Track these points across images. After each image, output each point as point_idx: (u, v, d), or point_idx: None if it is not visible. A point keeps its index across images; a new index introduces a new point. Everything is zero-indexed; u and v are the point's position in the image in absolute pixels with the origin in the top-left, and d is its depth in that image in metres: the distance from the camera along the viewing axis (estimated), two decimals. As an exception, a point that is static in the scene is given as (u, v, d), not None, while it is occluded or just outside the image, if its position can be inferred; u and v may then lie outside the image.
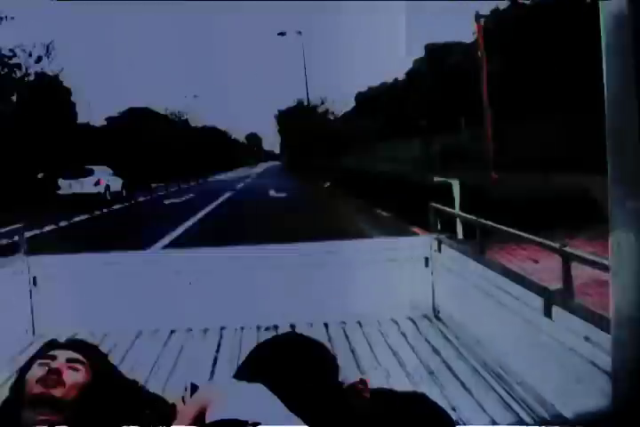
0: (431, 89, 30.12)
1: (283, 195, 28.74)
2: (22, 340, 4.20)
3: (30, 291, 4.48)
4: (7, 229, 4.53)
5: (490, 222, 3.62)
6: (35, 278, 4.50)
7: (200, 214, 20.81)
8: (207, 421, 1.88)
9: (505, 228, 3.38)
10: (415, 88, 33.51)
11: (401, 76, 41.48)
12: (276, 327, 4.30)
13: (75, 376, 2.42)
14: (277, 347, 2.33)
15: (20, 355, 3.08)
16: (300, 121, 79.25)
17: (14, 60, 39.46)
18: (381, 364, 3.53)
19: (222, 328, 4.36)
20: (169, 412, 2.52)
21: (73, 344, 2.63)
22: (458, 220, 8.81)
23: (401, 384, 2.86)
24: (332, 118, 75.11)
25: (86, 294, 4.46)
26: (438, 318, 4.33)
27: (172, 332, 4.35)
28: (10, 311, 4.24)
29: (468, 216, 4.16)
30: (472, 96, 22.24)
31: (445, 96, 27.52)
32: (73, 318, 4.34)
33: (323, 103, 79.79)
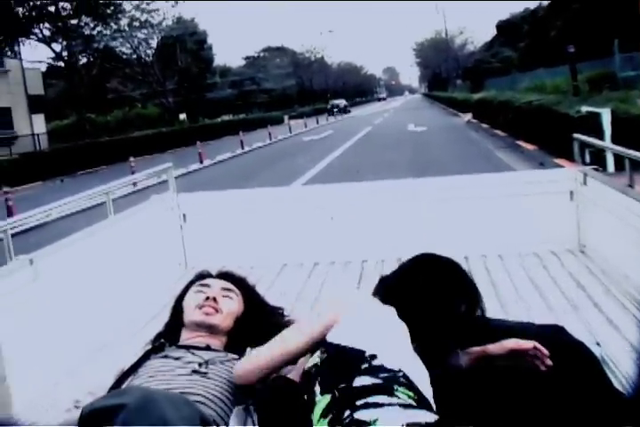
0: (580, 10, 28.25)
1: (423, 129, 28.33)
2: (175, 272, 4.48)
3: (181, 226, 4.74)
4: (157, 168, 4.78)
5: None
6: (184, 215, 4.74)
7: (337, 153, 20.96)
8: (328, 339, 1.93)
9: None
10: (561, 11, 31.56)
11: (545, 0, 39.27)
12: None
13: (229, 304, 2.60)
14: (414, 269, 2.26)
15: (175, 285, 3.29)
16: (438, 52, 77.29)
17: (152, 6, 40.84)
18: (522, 297, 3.49)
19: (364, 261, 4.44)
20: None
21: (224, 275, 2.79)
22: (608, 152, 8.39)
23: (542, 318, 2.82)
24: (471, 49, 72.67)
25: (233, 229, 4.66)
26: (583, 253, 4.20)
27: (316, 264, 4.49)
28: (163, 246, 4.52)
29: (618, 147, 3.94)
30: (627, 15, 20.65)
31: (596, 18, 25.74)
32: (221, 251, 4.56)
33: (461, 33, 77.32)
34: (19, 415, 2.15)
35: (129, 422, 1.50)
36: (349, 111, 68.62)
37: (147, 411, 1.53)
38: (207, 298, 2.56)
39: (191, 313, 2.55)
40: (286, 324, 2.78)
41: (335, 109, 63.57)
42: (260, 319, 2.67)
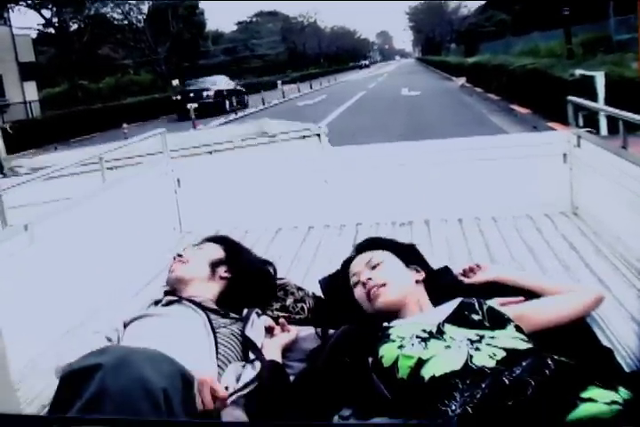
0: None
1: (416, 93, 28.16)
2: (170, 236, 4.51)
3: (175, 191, 4.74)
4: (151, 133, 4.75)
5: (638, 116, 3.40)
6: (179, 180, 4.74)
7: (331, 117, 20.84)
8: None
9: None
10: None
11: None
12: (410, 223, 4.36)
13: (198, 252, 2.67)
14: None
15: (170, 249, 3.32)
16: (431, 16, 76.40)
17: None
18: (516, 259, 3.52)
19: (358, 224, 4.46)
20: (307, 301, 2.71)
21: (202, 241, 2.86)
22: (601, 115, 8.33)
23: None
24: (465, 12, 71.82)
25: (227, 193, 4.67)
26: (576, 215, 4.22)
27: (310, 228, 4.51)
28: (158, 210, 4.53)
29: (612, 109, 3.93)
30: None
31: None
32: (216, 216, 4.58)
33: (455, -4, 76.30)
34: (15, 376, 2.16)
35: (106, 382, 1.48)
36: (246, 105, 31.38)
37: (124, 370, 1.51)
38: (174, 259, 2.66)
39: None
40: (282, 285, 2.82)
41: (193, 106, 21.02)
42: (243, 264, 2.71)
